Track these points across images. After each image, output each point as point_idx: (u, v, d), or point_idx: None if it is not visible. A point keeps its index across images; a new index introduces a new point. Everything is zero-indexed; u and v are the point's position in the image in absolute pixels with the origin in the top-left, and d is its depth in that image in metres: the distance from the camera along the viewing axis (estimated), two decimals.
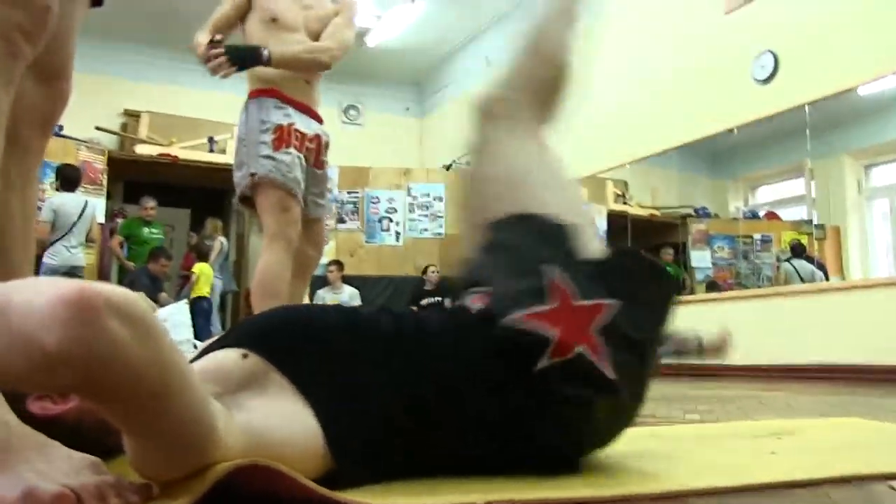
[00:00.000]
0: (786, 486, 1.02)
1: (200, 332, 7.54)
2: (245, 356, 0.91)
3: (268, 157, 2.65)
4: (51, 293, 0.66)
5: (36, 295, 0.66)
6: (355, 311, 1.07)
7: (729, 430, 1.71)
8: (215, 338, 1.06)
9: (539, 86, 1.35)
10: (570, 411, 1.02)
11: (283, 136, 2.69)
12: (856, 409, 2.58)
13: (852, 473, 1.08)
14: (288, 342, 0.95)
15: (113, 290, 0.69)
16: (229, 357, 0.91)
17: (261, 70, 2.69)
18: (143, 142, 8.49)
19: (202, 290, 7.57)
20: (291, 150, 2.70)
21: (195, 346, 6.78)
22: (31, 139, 1.16)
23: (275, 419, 0.87)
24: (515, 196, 1.20)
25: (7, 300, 0.66)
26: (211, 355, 0.92)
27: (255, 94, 2.75)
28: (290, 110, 2.75)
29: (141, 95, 8.75)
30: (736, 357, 5.35)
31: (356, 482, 0.91)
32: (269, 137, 2.67)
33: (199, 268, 7.67)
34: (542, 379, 0.99)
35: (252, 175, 2.65)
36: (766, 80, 5.67)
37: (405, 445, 0.98)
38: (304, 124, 2.78)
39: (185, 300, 7.21)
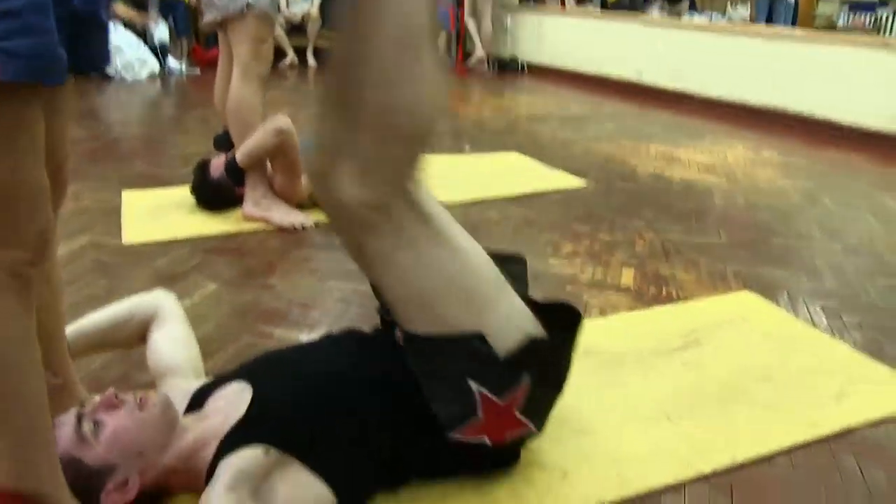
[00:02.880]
0: None
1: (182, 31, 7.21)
2: (267, 451, 1.15)
3: None
4: None
5: None
6: (341, 381, 1.28)
7: None
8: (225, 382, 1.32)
9: (405, 164, 1.15)
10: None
11: None
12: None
13: None
14: (297, 432, 1.20)
15: None
16: (254, 456, 1.15)
17: None
18: None
19: None
20: None
21: (159, 58, 6.58)
22: None
23: (297, 496, 1.15)
24: (428, 317, 1.19)
25: None
26: (241, 456, 1.14)
27: None
28: None
29: None
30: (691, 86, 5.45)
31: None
32: None
33: None
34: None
35: (248, 5, 2.55)
36: None
37: (386, 457, 1.27)
38: None
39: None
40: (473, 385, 1.20)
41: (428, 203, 1.19)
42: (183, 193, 2.94)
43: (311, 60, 7.40)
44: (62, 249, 2.47)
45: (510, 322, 1.23)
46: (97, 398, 1.24)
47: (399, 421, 1.27)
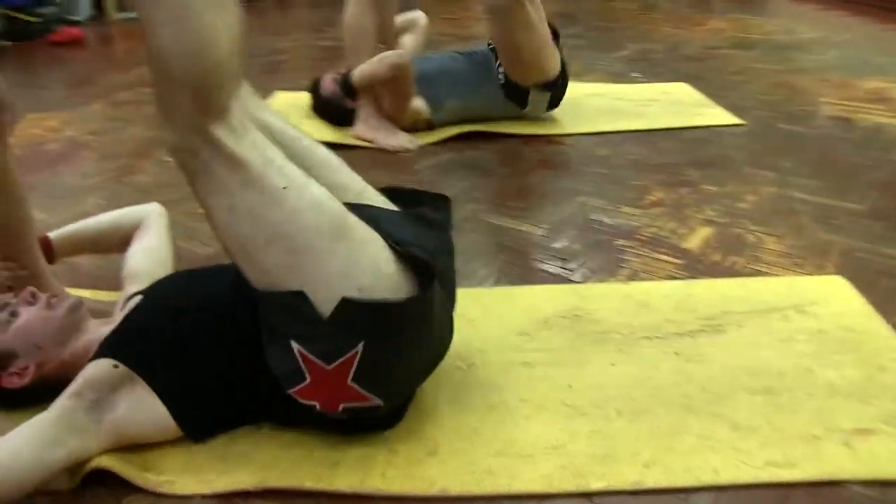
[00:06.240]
0: None
1: None
2: (116, 366, 1.23)
3: None
4: None
5: None
6: (199, 306, 1.29)
7: None
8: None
9: None
10: None
11: None
12: None
13: None
14: (147, 350, 1.26)
15: None
16: (103, 368, 1.23)
17: None
18: None
19: None
20: None
21: None
22: None
23: (136, 414, 1.22)
24: (253, 269, 1.14)
25: None
26: (94, 365, 1.24)
27: None
28: None
29: None
30: None
31: (206, 436, 1.26)
32: None
33: None
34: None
35: None
36: None
37: (242, 393, 1.26)
38: None
39: None
40: (296, 346, 1.11)
41: (244, 145, 1.09)
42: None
43: None
44: None
45: (346, 278, 1.10)
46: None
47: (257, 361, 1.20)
